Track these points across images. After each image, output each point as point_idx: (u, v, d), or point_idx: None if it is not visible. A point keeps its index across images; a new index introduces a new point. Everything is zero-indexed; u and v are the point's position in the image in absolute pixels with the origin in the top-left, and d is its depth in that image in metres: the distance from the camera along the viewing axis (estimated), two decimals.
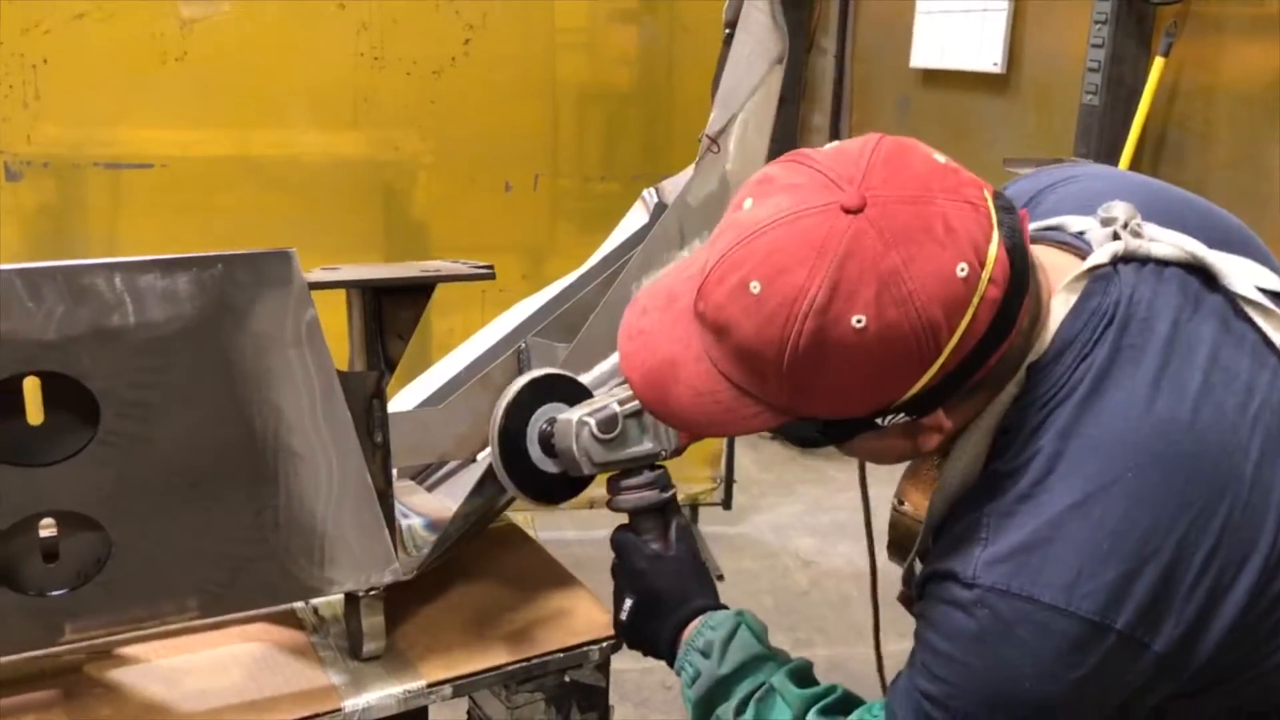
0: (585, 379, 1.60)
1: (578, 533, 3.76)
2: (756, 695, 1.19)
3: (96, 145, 3.07)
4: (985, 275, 0.95)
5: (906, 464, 1.39)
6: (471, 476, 1.77)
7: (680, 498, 4.08)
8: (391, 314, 1.36)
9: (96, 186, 3.13)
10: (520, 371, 1.84)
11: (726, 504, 4.08)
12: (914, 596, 1.13)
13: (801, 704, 1.16)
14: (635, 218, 2.02)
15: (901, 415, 1.02)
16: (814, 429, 1.05)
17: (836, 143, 1.02)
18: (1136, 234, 1.08)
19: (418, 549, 1.57)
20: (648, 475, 1.35)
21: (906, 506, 1.37)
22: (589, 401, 1.38)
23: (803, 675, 1.20)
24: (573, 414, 1.33)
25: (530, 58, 3.56)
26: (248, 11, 3.22)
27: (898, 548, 1.39)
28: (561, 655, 1.51)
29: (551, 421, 1.38)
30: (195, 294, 1.14)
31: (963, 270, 0.94)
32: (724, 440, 3.98)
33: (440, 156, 3.57)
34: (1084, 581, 0.96)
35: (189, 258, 1.12)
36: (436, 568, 1.56)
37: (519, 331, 1.88)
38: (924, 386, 0.98)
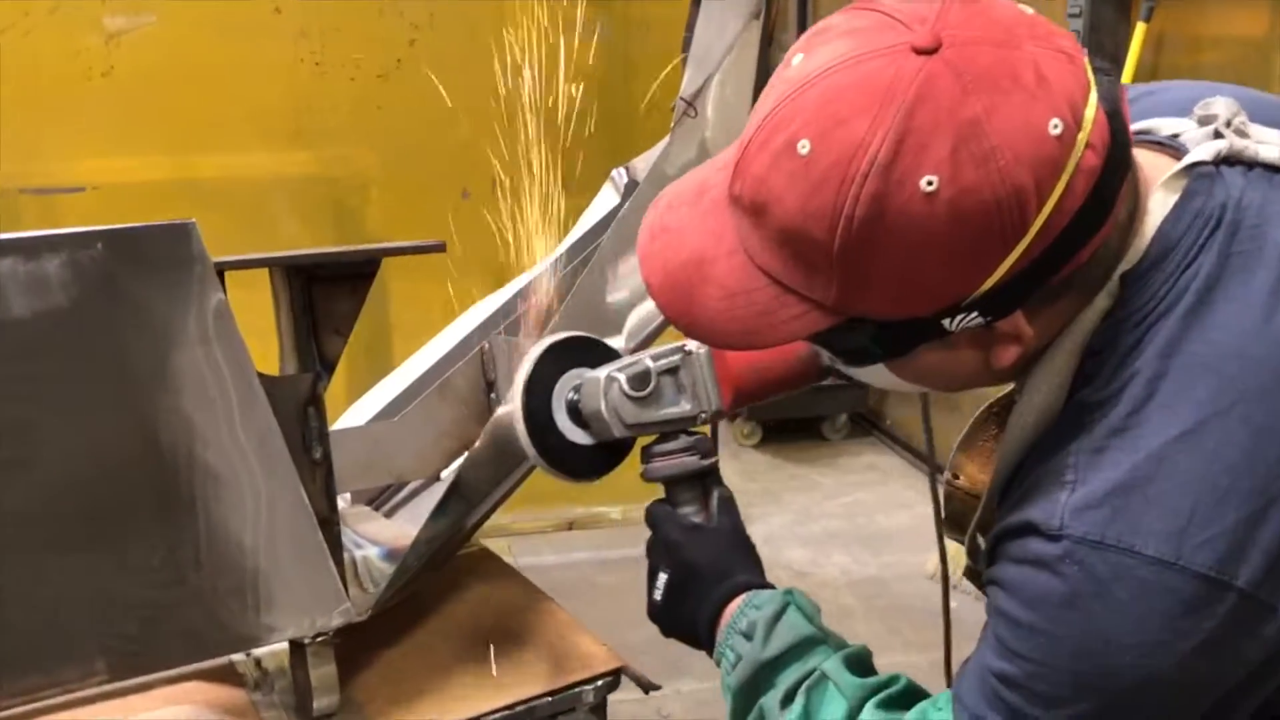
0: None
1: (556, 556, 3.60)
2: (807, 683, 1.04)
3: (23, 171, 2.93)
4: (1082, 138, 0.82)
5: (959, 438, 1.22)
6: (435, 498, 1.57)
7: None
8: (326, 304, 1.16)
9: (28, 214, 2.98)
10: (485, 374, 1.66)
11: None
12: (982, 567, 0.99)
13: (859, 694, 1.01)
14: (605, 200, 1.84)
15: (974, 316, 0.87)
16: (866, 337, 0.91)
17: None
18: (1241, 134, 0.93)
19: (374, 584, 1.38)
20: (685, 440, 1.20)
21: (961, 480, 1.20)
22: (622, 360, 1.25)
23: (860, 662, 1.05)
24: (600, 371, 1.21)
25: (481, 57, 3.39)
26: (176, 22, 3.05)
27: (954, 526, 1.22)
28: (550, 700, 1.35)
29: (578, 388, 1.24)
30: (71, 281, 0.92)
31: (1056, 127, 0.81)
32: None
33: (391, 167, 3.39)
34: (1197, 528, 0.83)
35: (59, 234, 0.90)
36: (397, 604, 1.37)
37: (480, 331, 1.70)
38: (1004, 276, 0.84)
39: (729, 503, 1.19)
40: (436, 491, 1.63)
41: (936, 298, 0.86)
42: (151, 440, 1.02)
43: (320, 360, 1.17)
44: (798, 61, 0.86)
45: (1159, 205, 0.91)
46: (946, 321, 0.87)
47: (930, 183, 0.79)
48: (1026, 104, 0.80)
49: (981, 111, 0.79)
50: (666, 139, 1.65)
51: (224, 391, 1.02)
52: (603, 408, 1.18)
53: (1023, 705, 0.88)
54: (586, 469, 1.25)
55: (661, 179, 1.58)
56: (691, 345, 1.18)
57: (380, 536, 1.47)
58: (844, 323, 0.88)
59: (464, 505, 1.28)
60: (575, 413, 1.24)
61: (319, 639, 1.20)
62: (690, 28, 1.66)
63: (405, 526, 1.54)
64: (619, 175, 1.85)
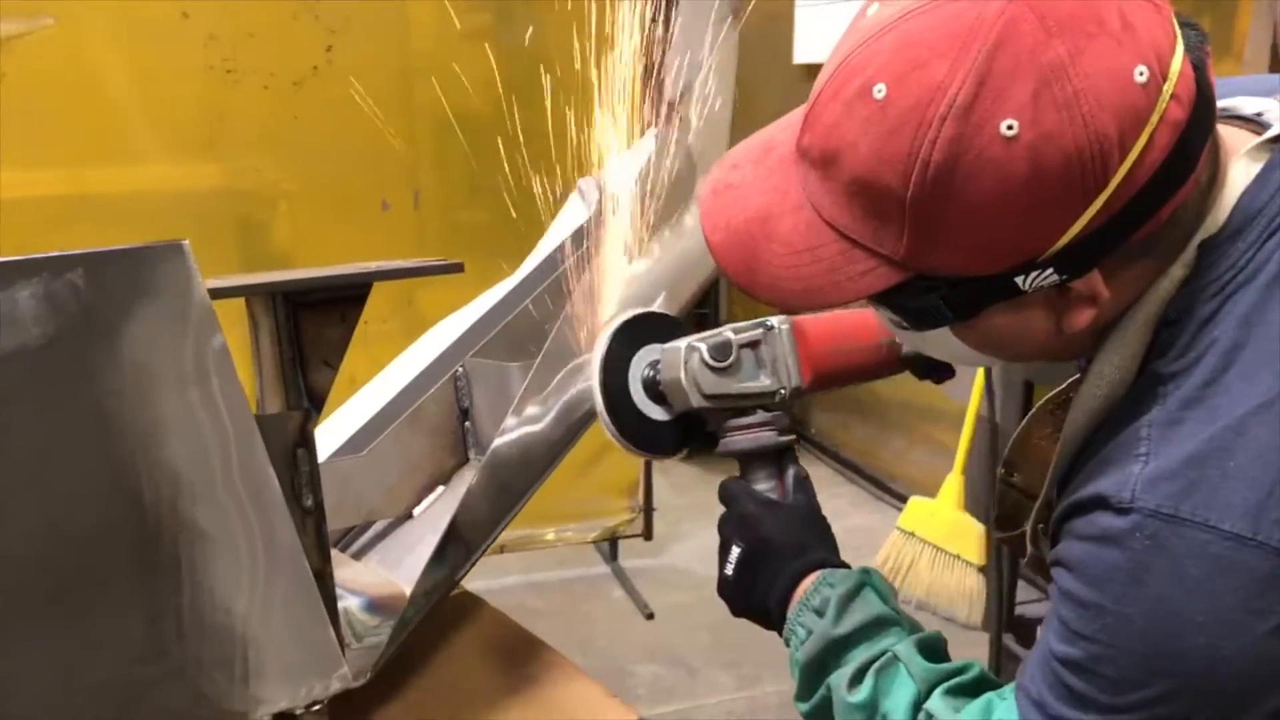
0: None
1: (486, 580, 3.45)
2: (877, 664, 1.01)
3: None
4: (1168, 89, 0.79)
5: (1014, 434, 1.20)
6: (409, 537, 1.44)
7: (596, 533, 3.88)
8: (314, 332, 1.02)
9: None
10: (459, 401, 1.53)
11: (648, 534, 3.83)
12: (1043, 551, 0.95)
13: (929, 679, 0.98)
14: (573, 212, 1.72)
15: (1049, 274, 0.84)
16: (935, 296, 0.87)
17: None
18: None
19: (356, 638, 1.24)
20: (763, 415, 1.18)
21: (1017, 479, 1.18)
22: (704, 333, 1.21)
23: (933, 648, 1.02)
24: (680, 341, 1.19)
25: (399, 65, 3.26)
26: (76, 24, 2.84)
27: (1005, 524, 1.19)
28: None
29: (655, 365, 1.24)
30: (45, 314, 0.78)
31: (1142, 75, 0.78)
32: (640, 465, 3.74)
33: (305, 178, 3.22)
34: (1276, 504, 0.78)
35: (34, 259, 0.76)
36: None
37: (452, 354, 1.56)
38: (1082, 231, 0.81)
39: (805, 481, 1.18)
40: (408, 531, 1.50)
41: (1012, 251, 0.83)
42: (132, 499, 0.87)
43: (309, 396, 1.03)
44: (874, 10, 0.84)
45: (1240, 175, 0.88)
46: (1020, 279, 0.84)
47: (1010, 127, 0.77)
48: (1112, 50, 0.78)
49: (1065, 55, 0.77)
50: (647, 143, 1.56)
51: (220, 437, 0.88)
52: (682, 376, 1.17)
53: (1088, 690, 0.84)
54: (662, 445, 1.24)
55: (647, 184, 1.48)
56: (774, 320, 1.18)
57: (358, 584, 1.34)
58: (912, 280, 0.86)
59: (463, 549, 1.17)
60: (652, 388, 1.23)
61: (313, 709, 1.07)
62: (655, 30, 1.57)
63: (380, 571, 1.41)
64: (586, 186, 1.74)
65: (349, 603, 1.29)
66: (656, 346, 1.24)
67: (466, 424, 1.53)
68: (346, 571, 1.39)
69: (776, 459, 1.18)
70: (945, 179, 0.79)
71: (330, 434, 1.53)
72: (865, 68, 0.81)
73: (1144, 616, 0.81)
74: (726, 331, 1.18)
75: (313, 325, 1.03)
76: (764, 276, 0.91)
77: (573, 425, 1.35)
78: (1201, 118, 0.83)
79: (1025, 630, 2.83)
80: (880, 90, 0.80)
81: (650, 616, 3.54)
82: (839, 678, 1.01)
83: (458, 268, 1.06)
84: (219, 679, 0.98)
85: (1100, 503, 0.85)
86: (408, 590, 1.27)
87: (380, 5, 3.07)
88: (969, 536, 3.43)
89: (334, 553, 1.47)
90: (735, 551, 1.12)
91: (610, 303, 1.42)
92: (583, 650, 3.52)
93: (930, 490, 3.59)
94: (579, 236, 1.65)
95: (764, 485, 1.16)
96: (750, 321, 1.19)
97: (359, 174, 3.16)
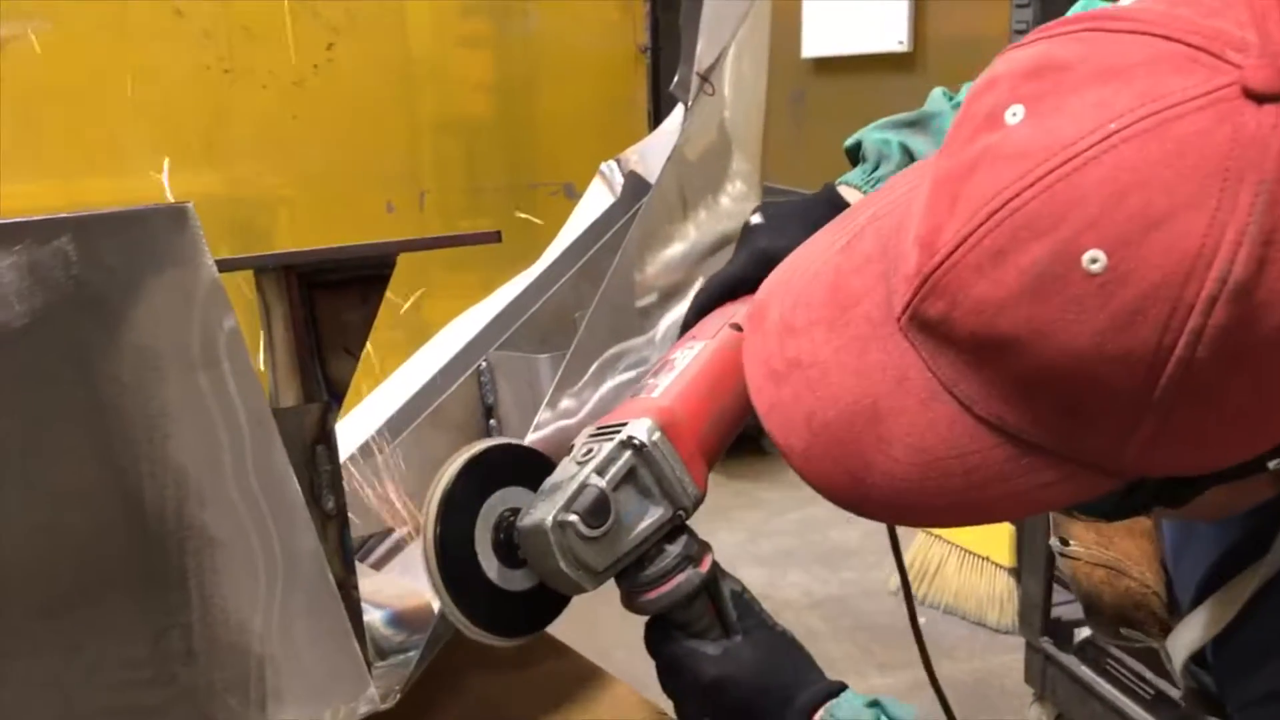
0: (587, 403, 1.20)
1: None
2: None
3: None
4: None
5: None
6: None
7: None
8: (331, 315, 0.92)
9: None
10: (483, 398, 1.43)
11: None
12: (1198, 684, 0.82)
13: None
14: (597, 197, 1.62)
15: None
16: (1144, 495, 0.67)
17: None
18: None
19: (379, 655, 1.13)
20: (670, 553, 0.91)
21: (1074, 547, 1.02)
22: (554, 483, 0.91)
23: None
24: (542, 515, 0.88)
25: (402, 62, 3.17)
26: (68, 27, 2.77)
27: (1091, 610, 1.03)
28: None
29: (508, 518, 0.94)
30: (29, 287, 0.67)
31: None
32: None
33: (306, 182, 3.14)
34: None
35: (14, 223, 0.65)
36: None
37: (474, 348, 1.46)
38: None
39: (744, 599, 0.92)
40: None
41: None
42: (134, 502, 0.77)
43: (328, 387, 0.93)
44: (1016, 119, 0.60)
45: None
46: (1274, 463, 0.65)
47: None
48: None
49: None
50: (676, 121, 1.46)
51: (233, 431, 0.78)
52: (562, 564, 0.88)
53: None
54: (527, 622, 0.97)
55: (682, 167, 1.38)
56: (636, 433, 0.88)
57: (380, 596, 1.23)
58: (1124, 485, 0.65)
59: None
60: (511, 556, 0.94)
61: None
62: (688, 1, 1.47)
63: (404, 581, 1.30)
64: (609, 169, 1.64)
65: (372, 617, 1.19)
66: (510, 491, 0.95)
67: (491, 421, 1.43)
68: (367, 583, 1.28)
69: (705, 591, 0.91)
70: (1215, 378, 0.58)
71: (347, 435, 1.43)
72: (1053, 223, 0.58)
73: None
74: (590, 477, 0.88)
75: (330, 308, 0.93)
76: (882, 492, 0.68)
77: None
78: None
79: (1063, 634, 2.73)
80: (1096, 260, 0.57)
81: None
82: None
83: (494, 237, 0.95)
84: (233, 703, 0.87)
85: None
86: (435, 603, 1.17)
87: (384, 3, 3.00)
88: (998, 537, 3.34)
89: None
90: None
91: (644, 289, 1.32)
92: (601, 660, 3.40)
93: None
94: (604, 222, 1.56)
95: (704, 629, 0.91)
96: (607, 444, 0.89)
97: (362, 176, 3.08)
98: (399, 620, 1.18)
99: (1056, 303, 0.58)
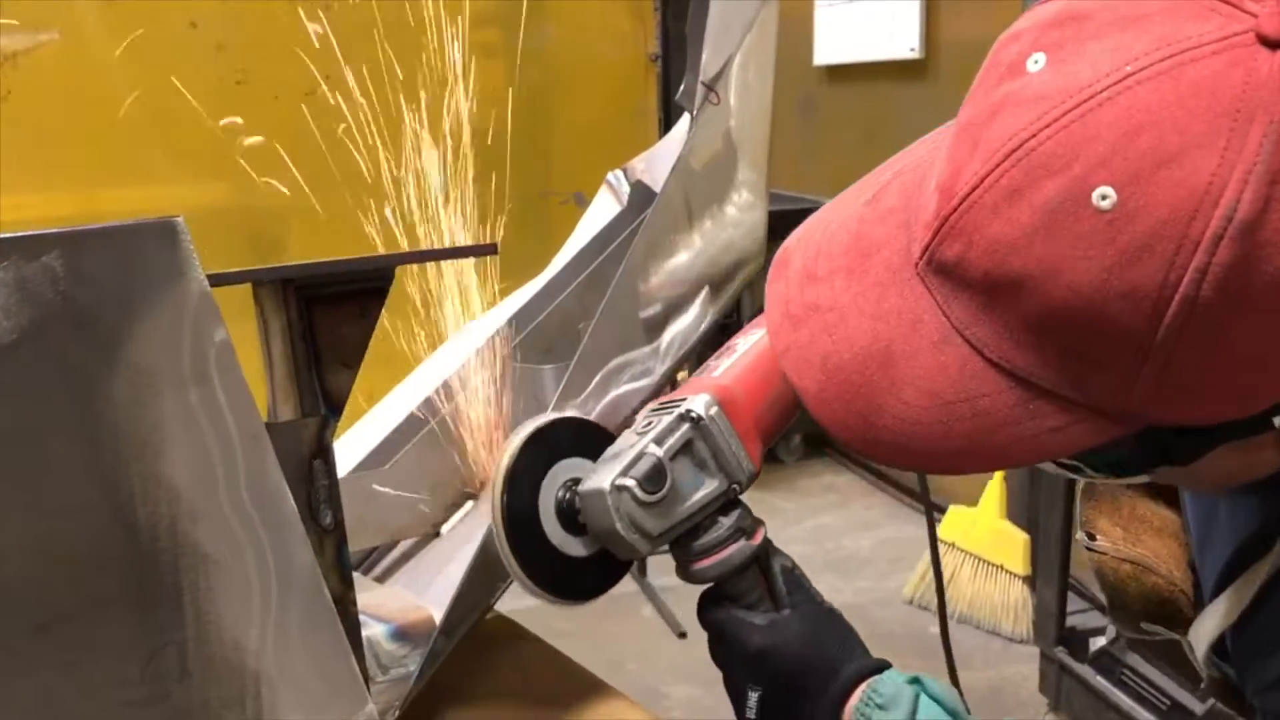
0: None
1: (511, 601, 3.35)
2: None
3: None
4: None
5: (1080, 487, 1.05)
6: (438, 557, 1.33)
7: None
8: (330, 328, 0.91)
9: None
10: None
11: None
12: (1222, 674, 0.82)
13: None
14: (603, 207, 1.61)
15: None
16: (1153, 448, 0.68)
17: None
18: None
19: (383, 671, 1.12)
20: (724, 525, 0.97)
21: (1101, 542, 1.01)
22: (614, 452, 0.98)
23: None
24: (601, 480, 0.96)
25: (416, 72, 3.18)
26: (81, 40, 2.77)
27: (1117, 604, 1.02)
28: None
29: (570, 487, 1.01)
30: (16, 304, 0.67)
31: None
32: None
33: (321, 190, 3.14)
34: None
35: (2, 240, 0.65)
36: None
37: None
38: None
39: (794, 574, 0.98)
40: (436, 550, 1.39)
41: None
42: (126, 520, 0.76)
43: (326, 401, 0.93)
44: (1038, 65, 0.62)
45: None
46: None
47: None
48: None
49: None
50: (682, 130, 1.45)
51: (225, 447, 0.77)
52: (618, 527, 0.94)
53: None
54: (586, 587, 1.03)
55: (686, 173, 1.38)
56: (695, 406, 0.95)
57: (383, 610, 1.22)
58: (1131, 432, 0.65)
59: (493, 579, 1.05)
60: (572, 521, 1.01)
61: None
62: (694, 7, 1.47)
63: (407, 595, 1.29)
64: (615, 179, 1.64)
65: (373, 631, 1.18)
66: (573, 462, 1.03)
67: (497, 432, 1.42)
68: (370, 596, 1.28)
69: (756, 564, 0.98)
70: (1219, 317, 0.59)
71: (349, 448, 1.43)
72: (1067, 161, 0.59)
73: None
74: (650, 447, 0.94)
75: (328, 321, 0.92)
76: (892, 435, 0.70)
77: (617, 429, 1.23)
78: None
79: (1077, 643, 2.71)
80: (1106, 197, 0.58)
81: (683, 635, 3.43)
82: None
83: (491, 249, 0.95)
84: None
85: None
86: (437, 615, 1.16)
87: (395, 8, 3.00)
88: (1012, 546, 3.33)
89: (356, 576, 1.36)
90: (754, 696, 0.95)
91: (649, 299, 1.31)
92: (613, 672, 3.39)
93: (964, 498, 3.48)
94: (611, 231, 1.55)
95: (754, 601, 0.97)
96: (666, 417, 0.96)
97: (373, 186, 3.09)
98: (402, 634, 1.17)
99: (1067, 239, 0.59)
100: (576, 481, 1.01)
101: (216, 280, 0.80)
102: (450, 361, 1.49)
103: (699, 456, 0.96)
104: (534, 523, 1.00)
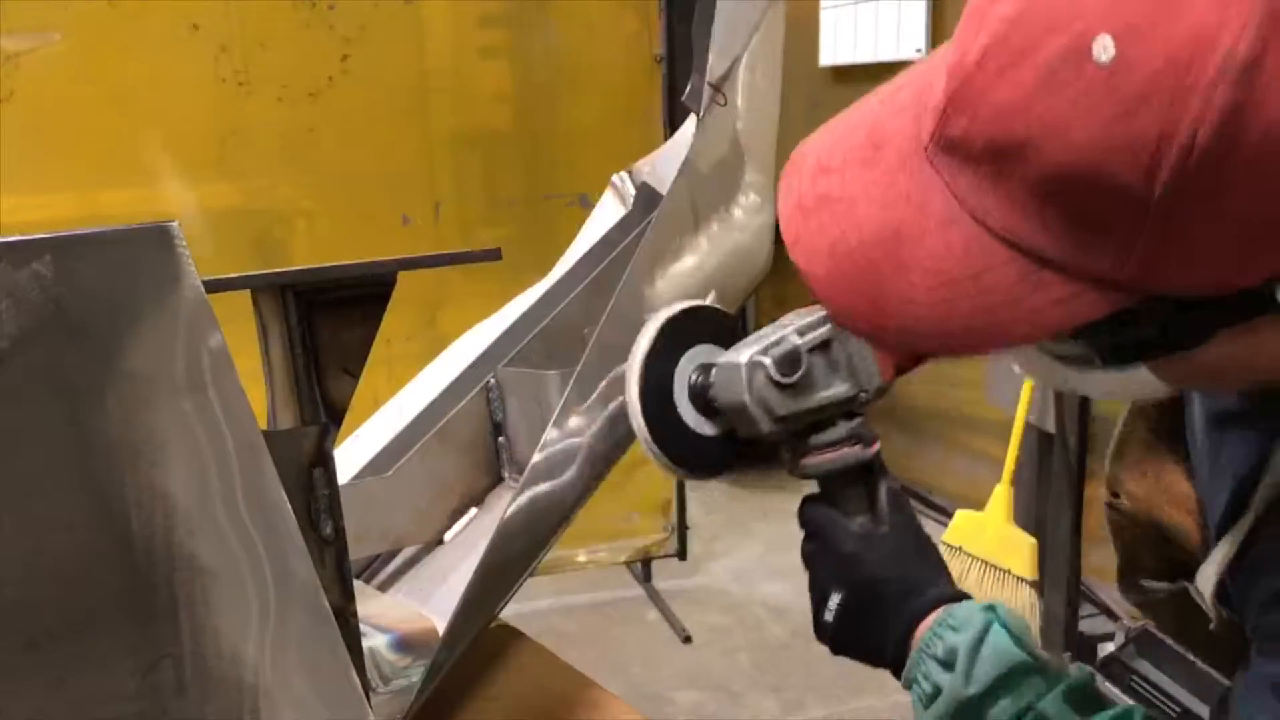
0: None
1: (516, 604, 3.35)
2: None
3: None
4: None
5: (1111, 447, 1.03)
6: (441, 565, 1.32)
7: (628, 554, 3.75)
8: (330, 334, 0.90)
9: None
10: (491, 415, 1.41)
11: (682, 554, 3.73)
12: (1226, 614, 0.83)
13: None
14: (608, 210, 1.60)
15: None
16: (1155, 324, 0.67)
17: None
18: None
19: (385, 682, 1.11)
20: (844, 427, 1.03)
21: (1124, 501, 1.01)
22: (756, 336, 1.04)
23: (1084, 695, 0.90)
24: (738, 355, 1.02)
25: (418, 73, 3.15)
26: (84, 41, 2.75)
27: (1130, 565, 1.03)
28: None
29: (703, 370, 1.08)
30: (6, 311, 0.65)
31: None
32: (672, 484, 3.62)
33: (323, 193, 3.12)
34: None
35: None
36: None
37: (483, 364, 1.44)
38: None
39: (898, 496, 1.03)
40: (439, 559, 1.37)
41: None
42: (119, 531, 0.74)
43: (326, 408, 0.91)
44: None
45: None
46: None
47: None
48: None
49: None
50: (688, 132, 1.43)
51: (221, 456, 0.75)
52: (747, 400, 1.00)
53: None
54: (709, 464, 1.10)
55: (694, 179, 1.36)
56: None
57: (385, 620, 1.21)
58: (1135, 305, 0.65)
59: (503, 578, 1.04)
60: (701, 398, 1.08)
61: None
62: (700, 9, 1.45)
63: (409, 604, 1.28)
64: (620, 181, 1.62)
65: (375, 641, 1.16)
66: (706, 349, 1.09)
67: (500, 439, 1.40)
68: (371, 606, 1.26)
69: (864, 475, 1.02)
70: (1215, 169, 0.58)
71: (351, 455, 1.41)
72: (1067, 17, 0.59)
73: None
74: (790, 335, 1.00)
75: (329, 327, 0.91)
76: (897, 318, 0.70)
77: (621, 437, 1.22)
78: None
79: (1087, 649, 2.69)
80: (1105, 49, 0.58)
81: (688, 640, 3.42)
82: None
83: (494, 255, 0.93)
84: None
85: None
86: (440, 625, 1.14)
87: (396, 8, 2.97)
88: (1019, 550, 3.30)
89: (357, 585, 1.34)
90: (835, 599, 0.98)
91: (654, 303, 1.29)
92: (618, 677, 3.39)
93: (971, 502, 3.46)
94: (616, 235, 1.53)
95: (855, 510, 1.01)
96: (806, 314, 1.02)
97: (378, 188, 3.06)
98: (404, 644, 1.16)
99: (1068, 95, 0.59)
100: (708, 367, 1.07)
101: (213, 286, 0.78)
102: (453, 366, 1.48)
103: (834, 358, 1.01)
104: (667, 397, 1.07)
